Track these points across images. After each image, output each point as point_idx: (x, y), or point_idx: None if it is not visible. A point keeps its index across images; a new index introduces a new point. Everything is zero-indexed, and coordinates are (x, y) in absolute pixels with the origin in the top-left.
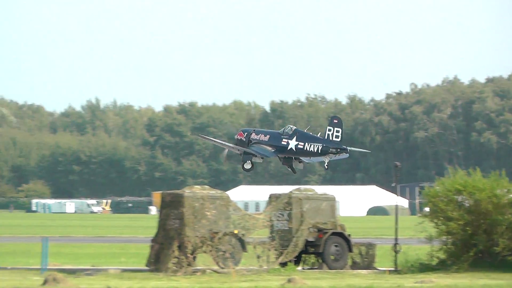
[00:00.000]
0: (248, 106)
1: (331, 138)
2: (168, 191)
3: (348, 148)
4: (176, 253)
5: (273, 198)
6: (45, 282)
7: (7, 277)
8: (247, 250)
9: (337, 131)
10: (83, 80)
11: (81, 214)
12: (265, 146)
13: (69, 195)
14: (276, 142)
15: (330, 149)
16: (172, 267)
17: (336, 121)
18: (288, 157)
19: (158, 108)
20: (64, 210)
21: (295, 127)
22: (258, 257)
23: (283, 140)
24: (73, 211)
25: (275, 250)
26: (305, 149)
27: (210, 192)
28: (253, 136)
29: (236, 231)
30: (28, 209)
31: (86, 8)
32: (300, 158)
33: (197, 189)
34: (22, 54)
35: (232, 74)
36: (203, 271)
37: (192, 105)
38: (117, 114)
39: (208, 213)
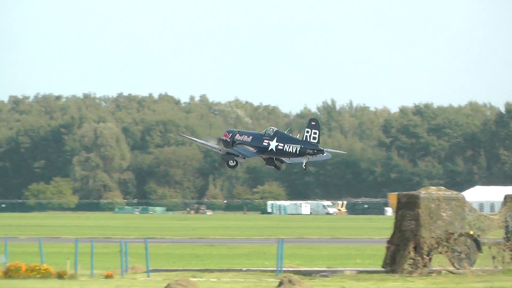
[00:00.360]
0: (483, 107)
1: (309, 140)
2: (404, 192)
3: (324, 149)
4: (412, 254)
5: (508, 198)
6: (280, 283)
7: (242, 279)
8: (482, 251)
9: (315, 133)
10: (319, 81)
11: (317, 216)
12: (247, 147)
13: (304, 196)
14: (258, 143)
15: (308, 150)
16: (408, 268)
17: (314, 123)
18: (270, 157)
19: (394, 109)
20: (299, 212)
21: (276, 129)
22: (493, 257)
23: (265, 141)
24: (309, 213)
25: (510, 250)
26: (284, 150)
27: (445, 193)
28: (237, 137)
29: (471, 232)
30: (263, 211)
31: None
32: (281, 158)
33: (432, 190)
34: (262, 56)
35: (466, 75)
36: (439, 272)
37: (428, 106)
38: (353, 115)
39: (443, 214)
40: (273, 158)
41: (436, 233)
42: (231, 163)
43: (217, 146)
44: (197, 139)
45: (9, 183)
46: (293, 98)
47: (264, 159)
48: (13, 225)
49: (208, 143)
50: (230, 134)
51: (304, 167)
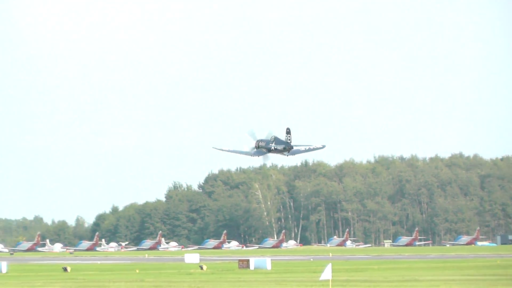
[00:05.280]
0: None
1: (287, 141)
2: None
3: (295, 146)
4: None
5: None
6: None
7: None
8: None
9: (289, 137)
10: None
11: None
12: (262, 149)
13: None
14: (267, 146)
15: (286, 147)
16: None
17: (289, 130)
18: (275, 152)
19: None
20: None
21: (275, 136)
22: None
23: (270, 144)
24: None
25: None
26: (277, 148)
27: None
28: (260, 143)
29: None
30: None
31: None
32: (279, 152)
33: None
34: None
35: None
36: None
37: None
38: None
39: None
40: (276, 152)
41: None
42: (255, 157)
43: (245, 152)
44: (228, 149)
45: None
46: None
47: (274, 152)
48: None
49: (237, 150)
50: (258, 142)
51: (287, 155)
